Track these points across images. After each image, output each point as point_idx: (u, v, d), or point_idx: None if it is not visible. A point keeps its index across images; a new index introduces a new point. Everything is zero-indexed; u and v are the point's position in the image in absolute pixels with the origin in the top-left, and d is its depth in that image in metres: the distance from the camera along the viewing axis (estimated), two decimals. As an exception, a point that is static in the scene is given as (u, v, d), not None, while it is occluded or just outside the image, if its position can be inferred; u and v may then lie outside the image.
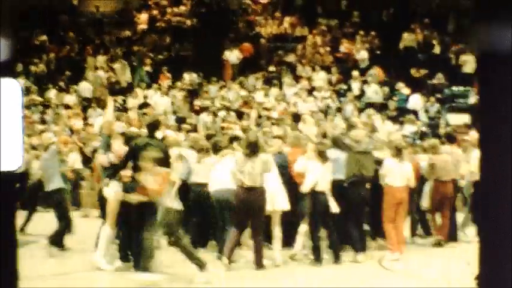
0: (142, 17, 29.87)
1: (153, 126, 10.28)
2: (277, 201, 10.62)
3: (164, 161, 9.77)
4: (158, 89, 24.21)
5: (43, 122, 21.82)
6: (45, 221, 13.04)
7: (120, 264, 10.30)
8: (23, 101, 2.41)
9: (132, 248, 10.16)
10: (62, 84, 25.26)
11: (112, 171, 10.19)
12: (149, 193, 9.30)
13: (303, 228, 10.89)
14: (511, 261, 2.16)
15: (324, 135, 11.64)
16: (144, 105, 21.14)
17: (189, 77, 25.68)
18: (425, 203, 13.04)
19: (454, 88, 25.01)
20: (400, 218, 11.54)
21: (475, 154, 13.35)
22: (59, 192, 11.62)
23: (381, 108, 22.82)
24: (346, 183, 11.21)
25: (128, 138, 10.65)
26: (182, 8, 29.95)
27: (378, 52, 26.64)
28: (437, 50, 26.41)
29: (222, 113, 22.03)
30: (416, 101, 23.15)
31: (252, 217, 10.23)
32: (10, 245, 2.46)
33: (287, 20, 29.15)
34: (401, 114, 22.17)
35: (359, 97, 23.79)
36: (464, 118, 23.27)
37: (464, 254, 11.76)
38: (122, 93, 24.58)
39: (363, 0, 29.25)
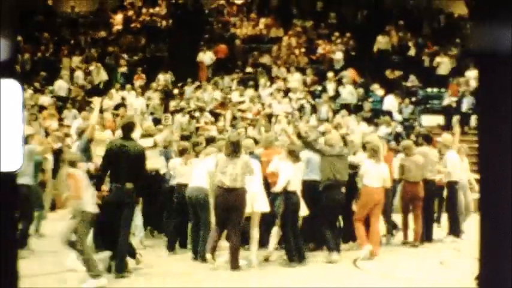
0: (118, 18, 29.74)
1: (128, 127, 10.03)
2: (256, 203, 10.64)
3: (139, 163, 9.75)
4: (132, 90, 24.13)
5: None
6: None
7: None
8: (23, 101, 2.40)
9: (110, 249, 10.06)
10: (37, 85, 25.05)
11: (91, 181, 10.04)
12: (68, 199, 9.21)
13: (276, 229, 10.93)
14: (511, 261, 2.18)
15: (299, 136, 11.65)
16: (118, 106, 21.06)
17: (164, 78, 25.63)
18: (397, 203, 13.22)
19: (429, 90, 25.22)
20: (376, 219, 11.59)
21: (449, 155, 13.50)
22: (25, 187, 11.24)
23: (356, 109, 22.93)
24: (320, 187, 11.28)
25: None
26: (157, 9, 29.87)
27: (353, 53, 26.74)
28: (412, 52, 26.57)
29: (197, 114, 22.01)
30: (390, 102, 23.27)
31: (230, 218, 10.24)
32: (10, 245, 2.45)
33: (262, 21, 29.21)
34: (376, 116, 22.28)
35: (334, 98, 23.86)
36: (438, 119, 23.48)
37: (438, 254, 11.91)
38: (97, 94, 24.45)
39: (338, 1, 29.39)
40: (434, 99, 24.96)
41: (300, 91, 23.92)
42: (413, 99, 24.14)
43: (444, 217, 13.99)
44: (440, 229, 13.93)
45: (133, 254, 10.13)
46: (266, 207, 10.72)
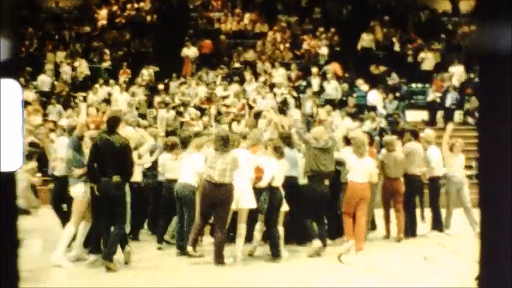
0: (102, 13, 29.64)
1: (113, 121, 10.08)
2: (243, 199, 10.65)
3: (124, 156, 9.80)
4: (117, 85, 24.08)
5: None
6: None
7: (95, 257, 10.17)
8: (23, 101, 2.40)
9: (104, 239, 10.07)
10: (21, 80, 24.92)
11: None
12: None
13: (260, 224, 10.98)
14: (511, 261, 2.19)
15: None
16: (103, 101, 21.03)
17: (147, 72, 25.57)
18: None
19: (413, 85, 25.34)
20: (362, 214, 11.63)
21: (431, 151, 13.61)
22: None
23: (340, 104, 22.98)
24: (304, 177, 11.40)
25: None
26: (142, 4, 29.79)
27: (338, 49, 26.79)
28: (397, 47, 26.66)
29: (182, 109, 22.01)
30: (374, 97, 23.34)
31: (216, 212, 10.27)
32: (10, 245, 2.45)
33: (247, 17, 29.21)
34: (360, 111, 22.35)
35: (318, 93, 23.89)
36: (423, 115, 23.60)
37: (422, 249, 11.98)
38: (82, 89, 24.43)
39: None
40: (418, 94, 25.09)
41: (285, 86, 23.94)
42: (398, 94, 24.24)
43: (428, 212, 14.09)
44: (425, 224, 14.01)
45: (123, 246, 10.17)
46: (253, 204, 10.74)
